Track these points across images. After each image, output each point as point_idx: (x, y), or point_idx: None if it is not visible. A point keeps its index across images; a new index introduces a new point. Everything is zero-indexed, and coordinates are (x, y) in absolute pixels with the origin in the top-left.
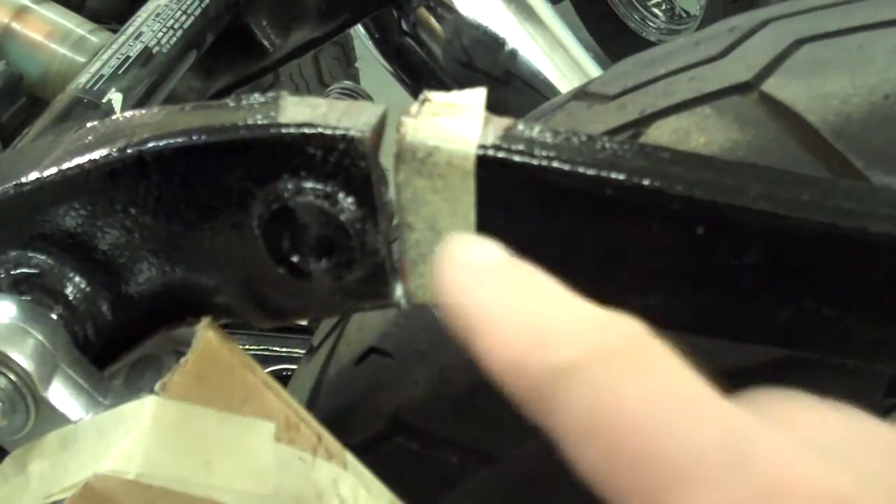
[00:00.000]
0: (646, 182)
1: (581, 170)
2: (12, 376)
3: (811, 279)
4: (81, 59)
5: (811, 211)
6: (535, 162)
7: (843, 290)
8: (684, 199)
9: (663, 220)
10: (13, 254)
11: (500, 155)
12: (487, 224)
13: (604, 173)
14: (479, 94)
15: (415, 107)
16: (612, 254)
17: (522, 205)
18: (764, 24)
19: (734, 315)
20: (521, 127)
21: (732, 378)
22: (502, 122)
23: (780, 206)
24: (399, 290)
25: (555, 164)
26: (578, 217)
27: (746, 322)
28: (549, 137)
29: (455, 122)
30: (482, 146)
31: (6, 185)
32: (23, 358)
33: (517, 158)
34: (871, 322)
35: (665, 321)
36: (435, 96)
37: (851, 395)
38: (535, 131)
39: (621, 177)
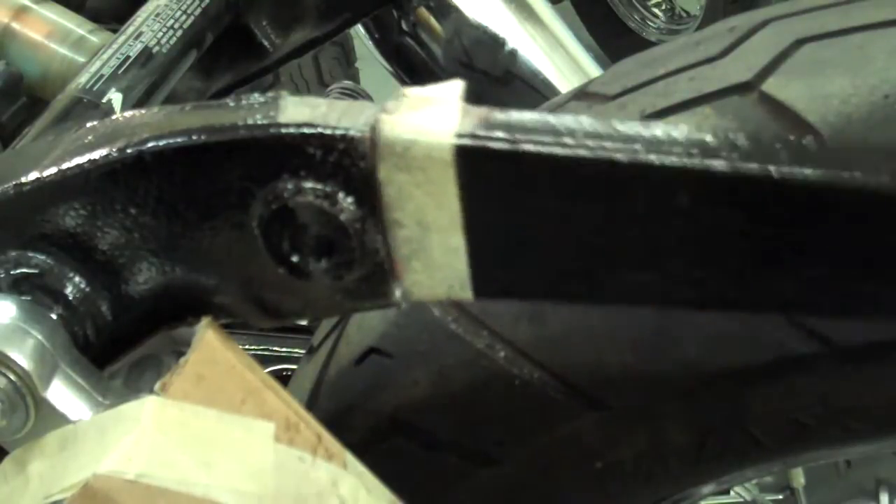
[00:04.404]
0: (619, 157)
1: (556, 151)
2: (12, 376)
3: (802, 240)
4: (81, 59)
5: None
6: (511, 147)
7: (840, 250)
8: (657, 168)
9: (640, 192)
10: (13, 254)
11: (478, 143)
12: (474, 214)
13: (579, 152)
14: (455, 87)
15: (392, 103)
16: (600, 232)
17: (506, 191)
18: (764, 24)
19: (728, 283)
20: (497, 114)
21: (732, 378)
22: (479, 112)
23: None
24: (399, 290)
25: (530, 147)
26: (561, 198)
27: (742, 289)
28: (525, 122)
29: (432, 115)
30: (459, 135)
31: (6, 185)
32: (23, 358)
33: (494, 145)
34: (871, 280)
35: (662, 297)
36: (412, 91)
37: (851, 395)
38: (512, 117)
39: (589, 154)
